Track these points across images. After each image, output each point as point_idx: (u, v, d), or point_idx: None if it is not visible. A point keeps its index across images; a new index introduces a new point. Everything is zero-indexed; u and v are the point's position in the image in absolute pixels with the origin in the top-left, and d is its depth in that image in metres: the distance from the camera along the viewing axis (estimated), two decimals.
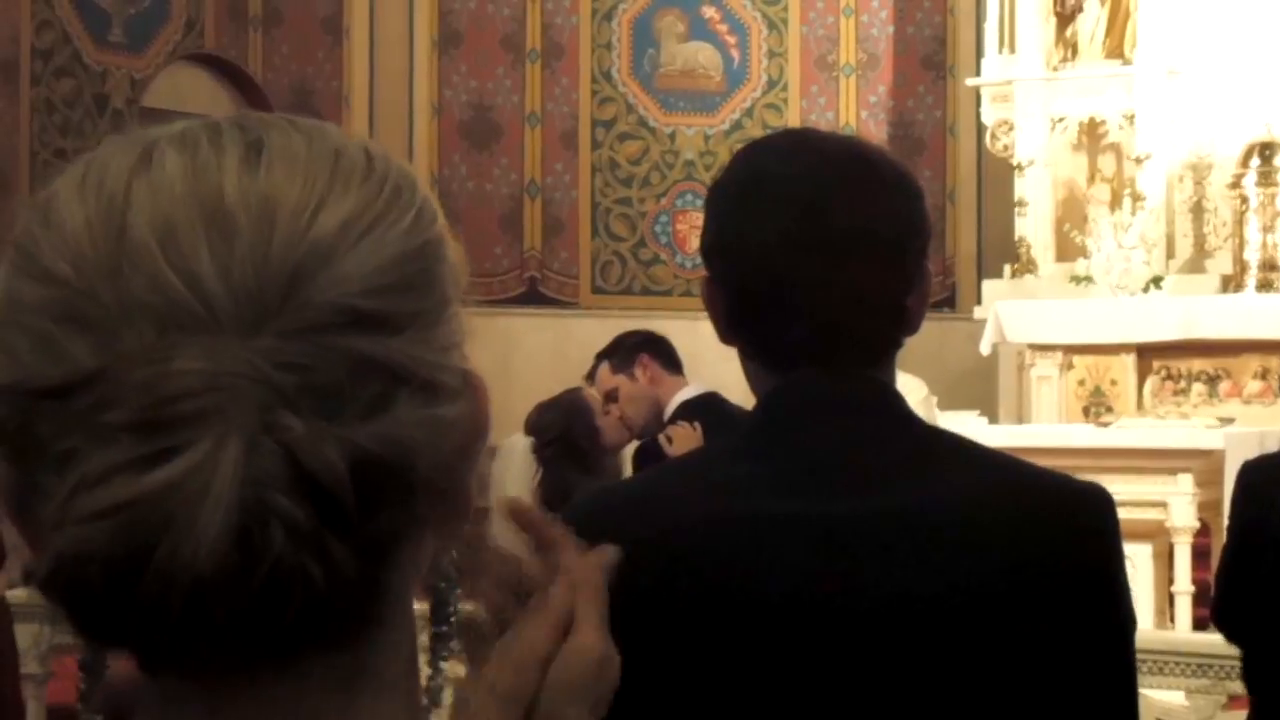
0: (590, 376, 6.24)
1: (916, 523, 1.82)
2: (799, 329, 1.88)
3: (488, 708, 1.14)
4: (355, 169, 0.97)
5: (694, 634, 1.82)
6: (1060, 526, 1.85)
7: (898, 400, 1.92)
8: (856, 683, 1.80)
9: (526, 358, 14.30)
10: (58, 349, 0.90)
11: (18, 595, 6.03)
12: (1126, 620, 1.89)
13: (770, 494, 1.84)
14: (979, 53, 14.03)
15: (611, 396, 6.04)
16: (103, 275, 0.90)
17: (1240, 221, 12.47)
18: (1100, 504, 1.90)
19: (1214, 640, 6.41)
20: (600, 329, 15.24)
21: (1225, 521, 3.79)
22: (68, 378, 0.89)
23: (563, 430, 6.30)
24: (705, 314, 1.96)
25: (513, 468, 6.46)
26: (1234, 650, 4.34)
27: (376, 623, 0.96)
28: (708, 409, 5.64)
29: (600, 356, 6.26)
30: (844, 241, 1.88)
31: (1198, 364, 12.13)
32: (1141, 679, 6.06)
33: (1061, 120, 13.22)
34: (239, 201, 0.92)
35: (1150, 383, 12.28)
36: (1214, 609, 3.44)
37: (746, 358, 1.96)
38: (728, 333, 1.96)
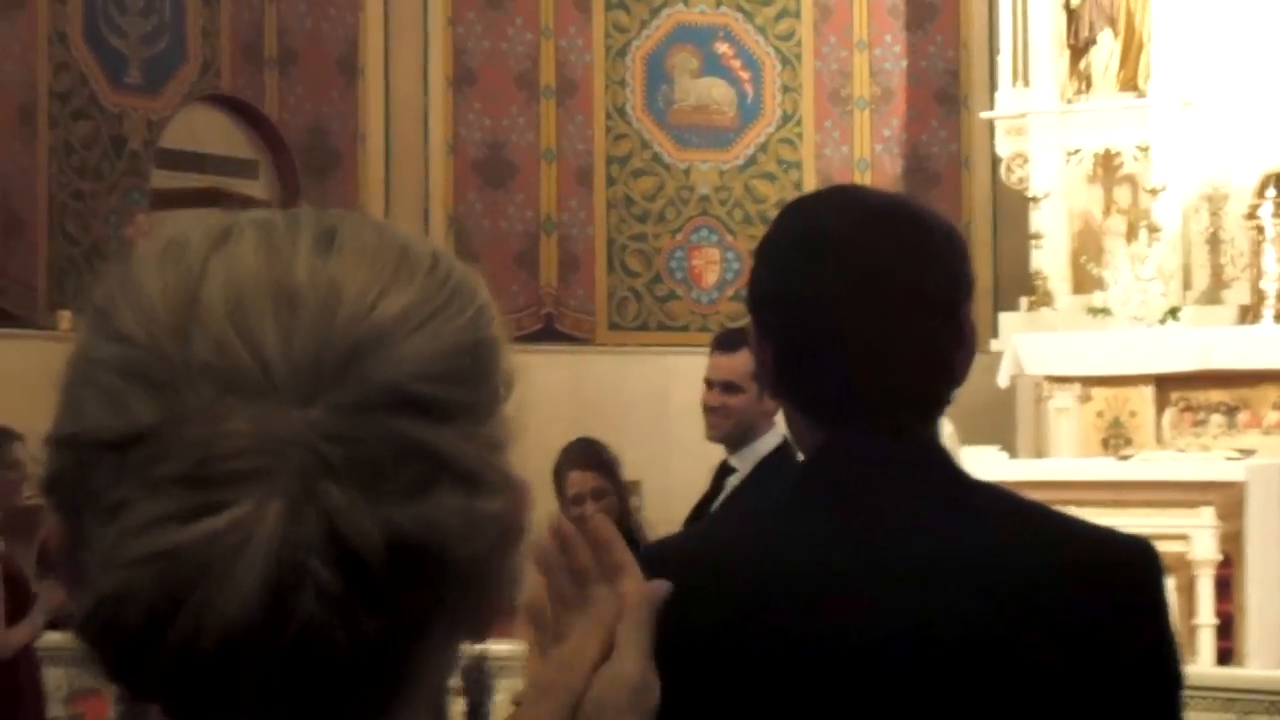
0: (733, 347, 5.75)
1: (967, 576, 1.83)
2: (852, 386, 1.89)
3: (533, 701, 1.17)
4: (420, 263, 1.01)
5: (749, 688, 1.82)
6: (1109, 582, 1.85)
7: (946, 457, 1.93)
8: None
9: (542, 395, 14.30)
10: (122, 404, 0.94)
11: (45, 640, 6.05)
12: (1174, 676, 1.89)
13: (824, 548, 1.85)
14: (992, 86, 14.05)
15: (733, 388, 5.73)
16: (171, 336, 0.94)
17: (1257, 252, 12.48)
18: (1147, 558, 1.90)
19: (1238, 674, 6.41)
20: (616, 366, 15.35)
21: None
22: (128, 431, 0.93)
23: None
24: None
25: None
26: (1257, 684, 4.35)
27: (400, 702, 0.98)
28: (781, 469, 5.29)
29: (747, 338, 5.76)
30: (902, 302, 1.89)
31: (1216, 395, 12.12)
32: None
33: (1076, 152, 13.24)
34: (307, 280, 0.97)
35: (1169, 414, 12.28)
36: None
37: (795, 411, 1.97)
38: (776, 387, 1.96)
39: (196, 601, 0.90)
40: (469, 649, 1.07)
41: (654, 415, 14.39)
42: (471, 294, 1.03)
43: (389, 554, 0.92)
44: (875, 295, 1.89)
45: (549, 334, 14.88)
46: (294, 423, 0.92)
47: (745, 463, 5.64)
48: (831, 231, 1.93)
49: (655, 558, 1.98)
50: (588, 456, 5.99)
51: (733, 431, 5.69)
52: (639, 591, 1.25)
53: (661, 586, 1.54)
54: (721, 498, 5.68)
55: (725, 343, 5.79)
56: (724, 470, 5.76)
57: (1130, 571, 1.88)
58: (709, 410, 5.70)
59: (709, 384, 5.71)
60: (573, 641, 1.18)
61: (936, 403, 1.95)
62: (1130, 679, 1.83)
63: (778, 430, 5.52)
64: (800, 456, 2.03)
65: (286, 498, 0.90)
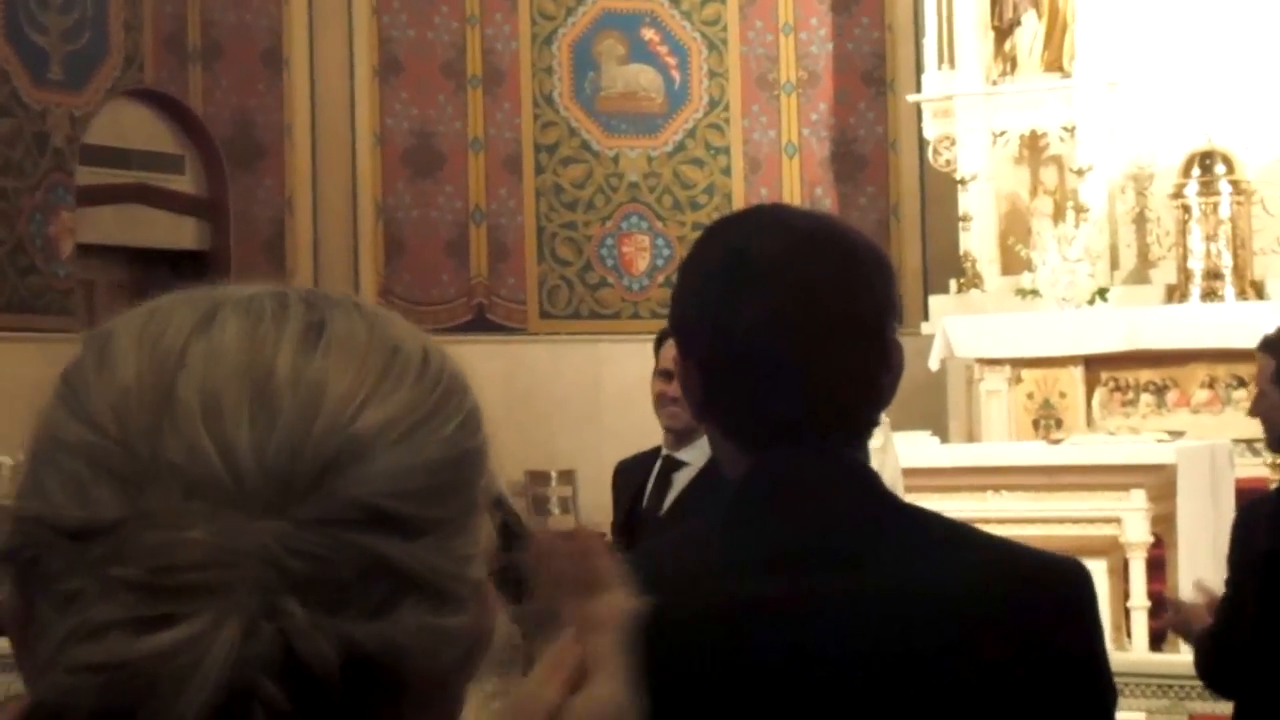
0: (658, 348, 5.69)
1: (900, 602, 1.83)
2: (780, 409, 1.89)
3: None
4: (410, 367, 0.97)
5: (685, 718, 1.82)
6: (1039, 604, 1.86)
7: (875, 480, 1.93)
8: None
9: (476, 385, 14.25)
10: (86, 493, 0.91)
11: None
12: (1107, 694, 1.90)
13: (755, 575, 1.84)
14: (919, 68, 14.11)
15: (669, 376, 5.67)
16: (142, 432, 0.91)
17: (1183, 231, 12.57)
18: (1078, 580, 1.90)
19: (1173, 660, 6.46)
20: (549, 354, 15.33)
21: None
22: (88, 524, 0.90)
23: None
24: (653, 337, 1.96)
25: None
26: (1192, 669, 4.40)
27: None
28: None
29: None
30: (830, 325, 1.88)
31: (1145, 374, 12.22)
32: None
33: (1003, 134, 13.30)
34: (288, 380, 0.93)
35: (1099, 394, 12.36)
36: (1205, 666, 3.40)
37: (721, 436, 1.96)
38: (703, 411, 1.96)
39: None
40: None
41: (587, 403, 14.39)
42: (460, 397, 0.99)
43: (345, 673, 0.89)
44: (803, 318, 1.88)
45: (481, 324, 14.86)
46: (259, 535, 0.89)
47: (696, 456, 5.57)
48: (758, 254, 1.91)
49: None
50: None
51: (693, 421, 5.62)
52: (616, 609, 1.23)
53: (638, 603, 1.54)
54: (673, 494, 5.63)
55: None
56: (669, 465, 5.70)
57: (1062, 593, 1.89)
58: (669, 401, 5.62)
59: (665, 375, 5.64)
60: (532, 677, 1.16)
61: (865, 425, 1.95)
62: (1064, 700, 1.84)
63: None
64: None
65: (244, 615, 0.87)
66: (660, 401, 5.66)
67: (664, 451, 5.73)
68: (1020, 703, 1.81)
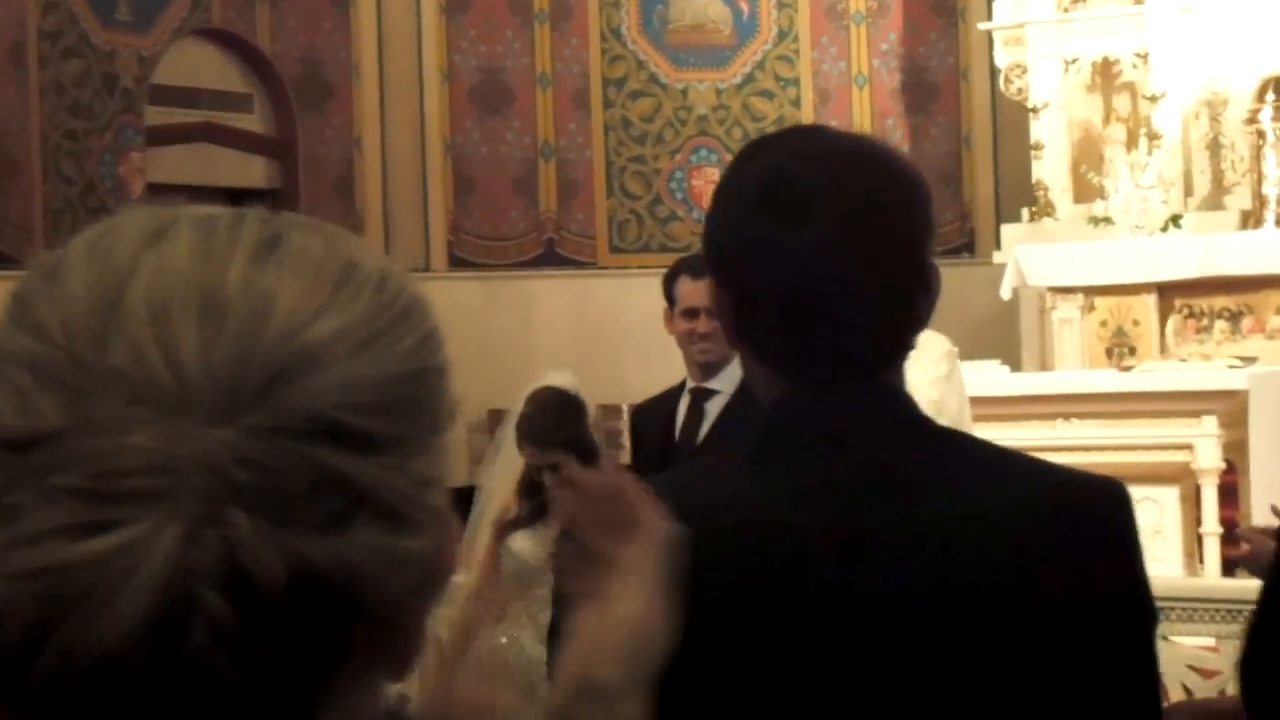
0: (696, 273, 5.68)
1: (937, 530, 1.80)
2: (820, 334, 1.85)
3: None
4: (367, 282, 0.96)
5: (719, 646, 1.80)
6: (1078, 524, 1.83)
7: (911, 406, 1.90)
8: (882, 690, 1.79)
9: (546, 320, 14.29)
10: (29, 403, 0.89)
11: None
12: (1148, 613, 1.87)
13: (791, 506, 1.82)
14: None
15: (695, 313, 5.68)
16: (89, 340, 0.90)
17: (1257, 157, 12.41)
18: (1116, 499, 1.87)
19: (1243, 585, 6.40)
20: (619, 288, 15.31)
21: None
22: (30, 433, 0.88)
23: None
24: None
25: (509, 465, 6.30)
26: None
27: None
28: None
29: (690, 267, 5.77)
30: (868, 246, 1.85)
31: (1220, 301, 12.09)
32: (1170, 626, 6.05)
33: (1075, 61, 13.15)
34: (239, 291, 0.91)
35: (1173, 322, 12.24)
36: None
37: (755, 361, 1.93)
38: (739, 336, 1.92)
39: (72, 626, 0.85)
40: (390, 690, 1.02)
41: (657, 337, 14.35)
42: (420, 317, 0.97)
43: (294, 590, 0.87)
44: (841, 240, 1.84)
45: (550, 259, 14.86)
46: (204, 442, 0.87)
47: (726, 383, 5.59)
48: (794, 177, 1.86)
49: None
50: (545, 431, 5.92)
51: (725, 353, 5.65)
52: (652, 537, 1.26)
53: (674, 531, 1.54)
54: (708, 423, 5.64)
55: (694, 268, 5.66)
56: (701, 395, 5.71)
57: (1101, 511, 1.86)
58: (699, 338, 5.64)
59: (692, 312, 5.64)
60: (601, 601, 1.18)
61: (900, 349, 1.91)
62: (1105, 618, 1.81)
63: None
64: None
65: (185, 522, 0.85)
66: (689, 339, 5.66)
67: (689, 385, 5.73)
68: (1064, 626, 1.79)
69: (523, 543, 5.99)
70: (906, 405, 1.90)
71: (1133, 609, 1.85)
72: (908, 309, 1.89)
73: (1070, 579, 1.80)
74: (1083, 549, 1.82)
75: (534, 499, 5.91)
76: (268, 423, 0.88)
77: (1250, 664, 2.34)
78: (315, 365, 0.90)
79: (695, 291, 5.55)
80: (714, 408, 5.65)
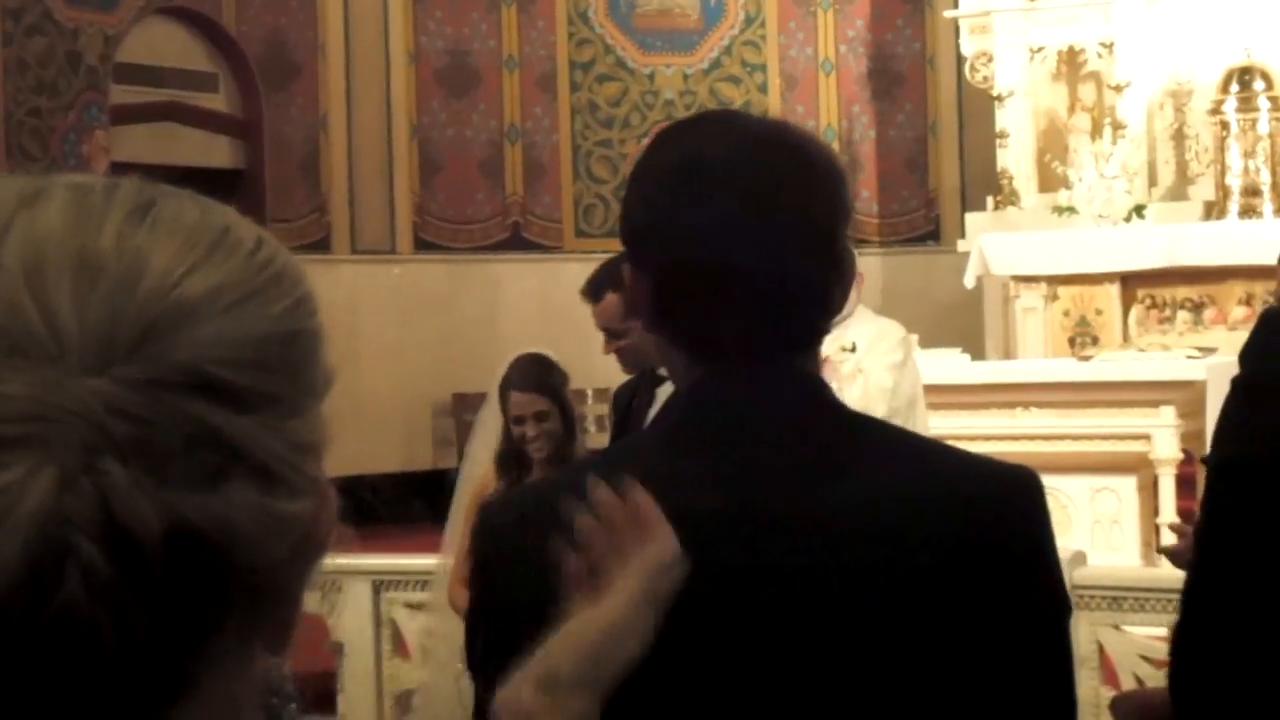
0: (595, 295, 5.81)
1: (849, 515, 1.81)
2: (734, 318, 1.85)
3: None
4: (240, 245, 0.96)
5: None
6: (989, 512, 1.84)
7: (825, 390, 1.91)
8: (795, 676, 1.79)
9: (512, 304, 14.28)
10: None
11: None
12: (1060, 604, 1.88)
13: (703, 490, 1.82)
14: None
15: (618, 332, 5.76)
16: None
17: (1221, 148, 12.46)
18: (1028, 487, 1.88)
19: None
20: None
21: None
22: None
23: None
24: None
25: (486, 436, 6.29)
26: None
27: (178, 711, 0.92)
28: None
29: (614, 283, 5.77)
30: (783, 230, 1.85)
31: (1182, 291, 12.13)
32: (1124, 616, 6.06)
33: (1040, 50, 13.18)
34: (112, 248, 0.92)
35: (1135, 311, 12.29)
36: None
37: (670, 346, 1.94)
38: (654, 321, 1.93)
39: None
40: (272, 666, 1.01)
41: None
42: (294, 282, 0.98)
43: (169, 544, 0.87)
44: (756, 224, 1.84)
45: (516, 242, 14.85)
46: (78, 392, 0.87)
47: None
48: (710, 159, 1.87)
49: (528, 507, 1.96)
50: (532, 378, 5.93)
51: (645, 362, 5.71)
52: (652, 549, 1.30)
53: (672, 548, 1.57)
54: (656, 406, 5.66)
55: (589, 292, 5.73)
56: (652, 380, 5.72)
57: (1014, 499, 1.87)
58: (612, 353, 5.75)
59: (607, 333, 5.72)
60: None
61: (814, 334, 1.92)
62: (1017, 608, 1.82)
63: None
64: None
65: (59, 469, 0.85)
66: (607, 350, 5.74)
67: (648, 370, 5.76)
68: (972, 615, 1.79)
69: None
70: (819, 390, 1.90)
71: (1045, 599, 1.86)
72: (821, 294, 1.89)
73: (982, 568, 1.81)
74: (995, 537, 1.83)
75: (512, 473, 5.87)
76: (141, 375, 0.88)
77: (1178, 667, 2.33)
78: (188, 320, 0.91)
79: (594, 314, 5.67)
80: (663, 392, 5.67)
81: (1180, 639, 2.30)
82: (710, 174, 1.86)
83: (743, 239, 1.83)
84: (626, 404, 5.89)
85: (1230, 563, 2.19)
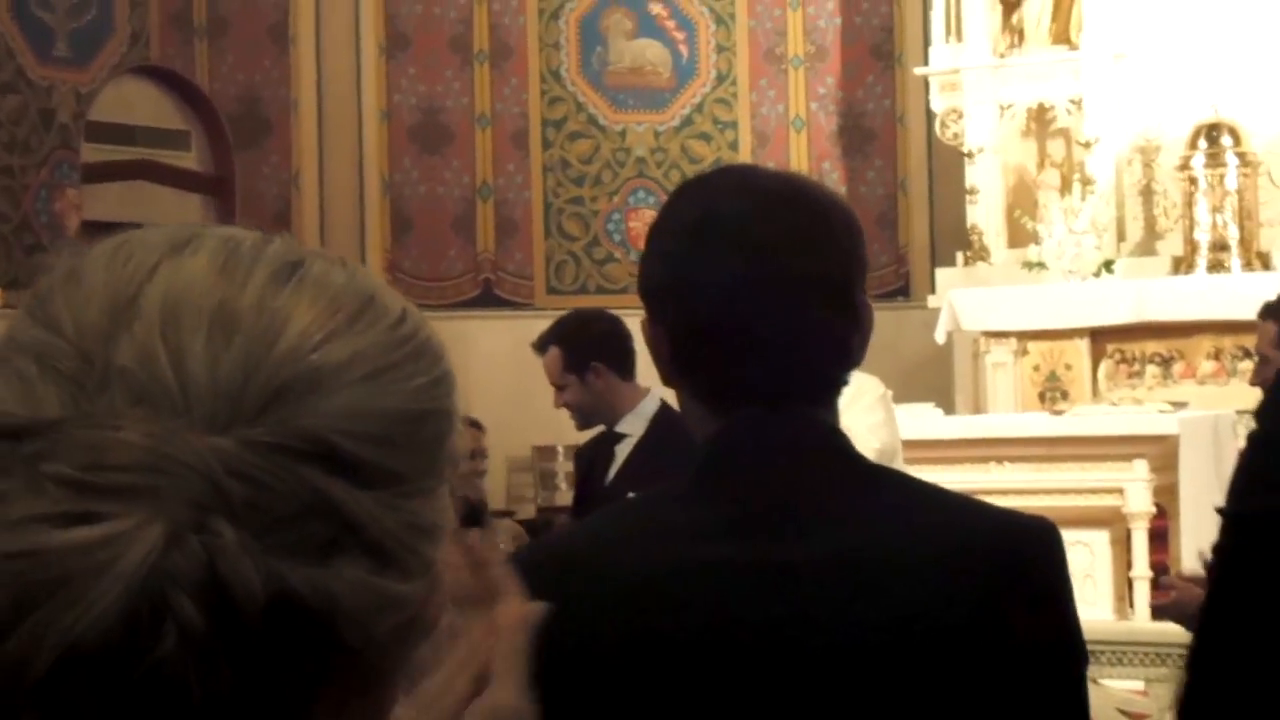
0: (541, 349, 5.94)
1: (866, 566, 1.82)
2: (752, 371, 1.87)
3: None
4: (383, 316, 0.95)
5: (645, 683, 1.81)
6: (1008, 565, 1.85)
7: (844, 441, 1.92)
8: None
9: (483, 360, 14.27)
10: (32, 392, 0.89)
11: None
12: (1078, 654, 1.89)
13: (721, 540, 1.83)
14: (926, 41, 14.05)
15: (559, 386, 5.82)
16: (99, 336, 0.89)
17: (1189, 203, 12.53)
18: (1047, 540, 1.90)
19: (1171, 629, 6.44)
20: None
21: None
22: (28, 422, 0.87)
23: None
24: None
25: None
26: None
27: None
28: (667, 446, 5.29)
29: (556, 337, 5.87)
30: (800, 284, 1.87)
31: (1151, 346, 12.19)
32: (1100, 670, 6.07)
33: (1010, 107, 13.25)
34: (253, 306, 0.91)
35: (1105, 366, 12.34)
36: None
37: (690, 398, 1.95)
38: (674, 374, 1.95)
39: (44, 613, 0.83)
40: None
41: None
42: (433, 360, 0.96)
43: (271, 611, 0.85)
44: (772, 279, 1.86)
45: (488, 299, 14.86)
46: (199, 447, 0.86)
47: (636, 425, 5.64)
48: (726, 215, 1.89)
49: (531, 563, 1.97)
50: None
51: (593, 418, 5.76)
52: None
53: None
54: (616, 466, 5.68)
55: (537, 346, 5.83)
56: (610, 438, 5.74)
57: (1033, 551, 1.88)
58: (563, 407, 5.82)
59: (556, 388, 5.81)
60: (440, 675, 1.11)
61: (833, 386, 1.93)
62: (1035, 659, 1.83)
63: (653, 392, 5.57)
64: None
65: (170, 523, 0.84)
66: (557, 404, 5.80)
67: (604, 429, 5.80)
68: (994, 666, 1.80)
69: None
70: (839, 441, 1.91)
71: (1063, 650, 1.87)
72: (839, 346, 1.91)
73: (1001, 619, 1.82)
74: (1014, 589, 1.84)
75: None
76: (265, 437, 0.87)
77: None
78: (320, 387, 0.89)
79: (544, 367, 5.74)
80: (622, 451, 5.69)
81: (1192, 696, 2.25)
82: (725, 229, 1.88)
83: (758, 294, 1.86)
84: (589, 462, 5.91)
85: (1249, 617, 2.17)
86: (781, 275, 1.87)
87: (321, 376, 0.90)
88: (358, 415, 0.90)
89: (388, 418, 0.92)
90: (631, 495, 4.93)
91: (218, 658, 0.85)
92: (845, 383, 1.95)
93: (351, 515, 0.89)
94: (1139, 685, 6.04)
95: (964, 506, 1.94)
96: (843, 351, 1.92)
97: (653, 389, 5.53)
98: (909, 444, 7.74)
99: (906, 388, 10.25)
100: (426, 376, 0.95)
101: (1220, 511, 1.98)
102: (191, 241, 0.94)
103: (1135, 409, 9.52)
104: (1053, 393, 12.20)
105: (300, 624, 0.87)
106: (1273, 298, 5.99)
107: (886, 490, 1.91)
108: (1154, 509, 8.72)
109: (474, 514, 5.68)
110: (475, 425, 5.85)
